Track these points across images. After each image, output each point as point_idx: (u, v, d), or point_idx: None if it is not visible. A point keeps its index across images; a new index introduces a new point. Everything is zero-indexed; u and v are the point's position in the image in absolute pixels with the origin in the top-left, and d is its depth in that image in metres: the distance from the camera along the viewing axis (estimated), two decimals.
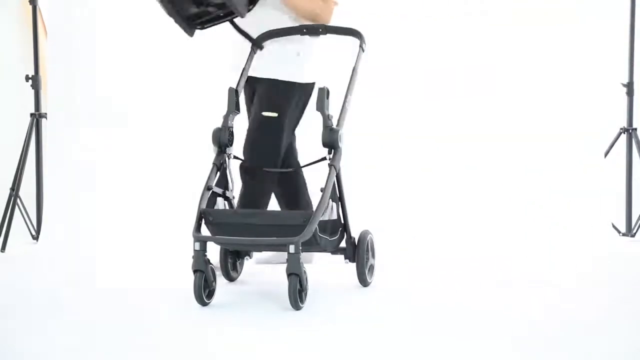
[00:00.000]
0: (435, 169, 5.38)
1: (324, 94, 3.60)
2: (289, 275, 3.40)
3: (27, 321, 3.33)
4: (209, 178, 3.66)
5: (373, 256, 3.95)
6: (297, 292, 3.40)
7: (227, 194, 3.76)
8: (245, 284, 3.96)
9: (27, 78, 5.15)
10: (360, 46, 3.87)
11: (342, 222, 3.77)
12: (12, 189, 5.05)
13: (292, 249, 3.38)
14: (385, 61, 5.30)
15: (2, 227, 5.02)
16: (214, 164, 3.70)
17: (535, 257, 4.71)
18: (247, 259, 4.05)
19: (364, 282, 3.86)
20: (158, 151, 5.45)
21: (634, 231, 5.30)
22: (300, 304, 3.41)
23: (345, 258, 3.88)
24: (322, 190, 3.57)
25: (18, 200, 5.04)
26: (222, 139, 3.71)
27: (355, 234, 3.86)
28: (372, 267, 3.94)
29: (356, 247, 3.84)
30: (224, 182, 3.75)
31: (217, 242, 3.63)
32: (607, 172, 5.34)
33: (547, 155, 5.35)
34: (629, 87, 5.35)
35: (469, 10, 5.36)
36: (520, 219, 5.19)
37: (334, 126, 3.65)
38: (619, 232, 5.32)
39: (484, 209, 5.23)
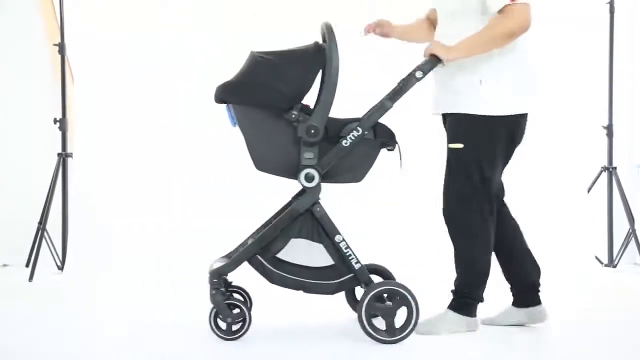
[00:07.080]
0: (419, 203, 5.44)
1: None
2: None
3: (50, 344, 3.58)
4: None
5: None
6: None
7: None
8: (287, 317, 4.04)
9: (55, 120, 5.29)
10: None
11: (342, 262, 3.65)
12: (39, 222, 5.23)
13: None
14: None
15: (30, 258, 5.22)
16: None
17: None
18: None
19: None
20: (182, 189, 5.56)
21: (615, 262, 5.51)
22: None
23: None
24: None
25: (45, 234, 5.17)
26: None
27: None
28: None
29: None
30: None
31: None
32: (590, 207, 5.54)
33: (534, 190, 5.50)
34: (609, 129, 5.53)
35: None
36: None
37: None
38: (601, 263, 5.54)
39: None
